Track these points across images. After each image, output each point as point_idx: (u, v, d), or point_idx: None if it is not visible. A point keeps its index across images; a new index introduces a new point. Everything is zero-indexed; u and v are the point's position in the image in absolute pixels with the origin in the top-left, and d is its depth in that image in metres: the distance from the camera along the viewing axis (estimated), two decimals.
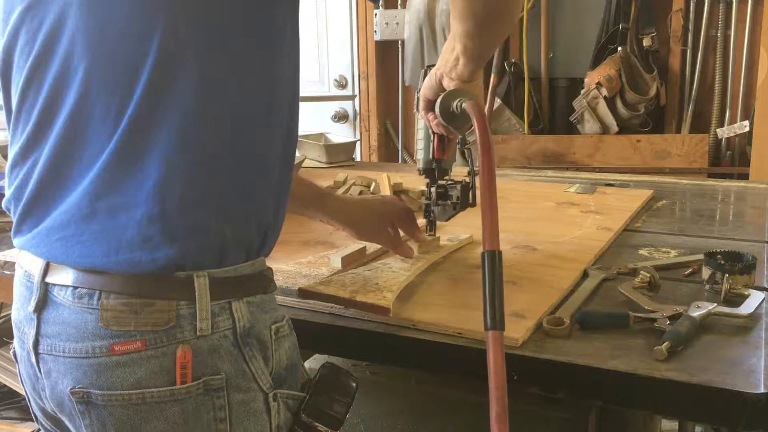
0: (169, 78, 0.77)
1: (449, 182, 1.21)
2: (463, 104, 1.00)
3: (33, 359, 0.84)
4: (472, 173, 1.10)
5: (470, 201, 1.15)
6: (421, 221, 1.30)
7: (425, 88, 1.12)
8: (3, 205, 0.89)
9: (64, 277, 0.80)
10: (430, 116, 1.12)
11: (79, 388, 0.79)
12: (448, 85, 1.06)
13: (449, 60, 1.04)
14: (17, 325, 0.88)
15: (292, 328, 0.91)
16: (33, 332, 0.83)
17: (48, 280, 0.82)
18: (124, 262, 0.77)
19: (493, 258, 0.78)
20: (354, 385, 0.93)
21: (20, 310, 0.87)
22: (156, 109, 0.77)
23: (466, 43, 0.98)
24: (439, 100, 1.06)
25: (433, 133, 1.18)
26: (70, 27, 0.79)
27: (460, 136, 1.11)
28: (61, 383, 0.81)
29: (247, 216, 0.84)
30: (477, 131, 0.86)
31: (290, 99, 0.88)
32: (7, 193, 0.88)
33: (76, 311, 0.79)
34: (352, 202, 1.30)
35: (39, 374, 0.85)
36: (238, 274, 0.83)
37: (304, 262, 1.26)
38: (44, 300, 0.82)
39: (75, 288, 0.79)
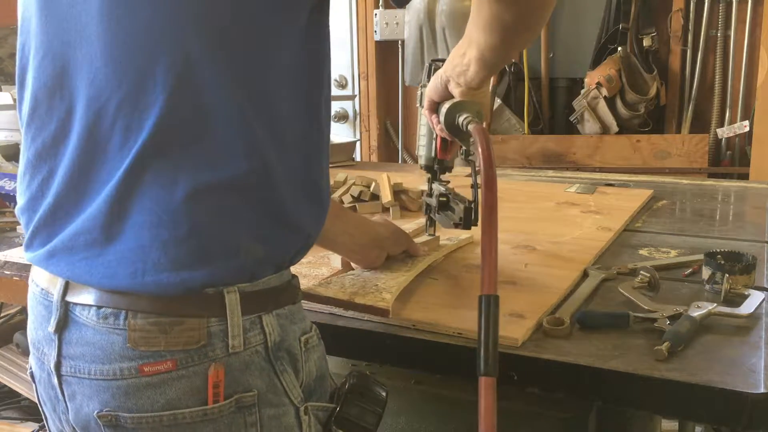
0: (187, 92, 0.74)
1: (452, 194, 1.18)
2: (469, 126, 0.96)
3: (55, 381, 0.81)
4: (474, 186, 1.07)
5: (474, 222, 1.09)
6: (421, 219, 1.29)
7: (430, 89, 1.09)
8: (16, 213, 0.86)
9: (86, 296, 0.77)
10: (434, 119, 1.09)
11: (106, 411, 0.77)
12: (454, 90, 1.02)
13: (459, 65, 0.99)
14: (35, 345, 0.84)
15: (320, 337, 0.89)
16: (54, 353, 0.80)
17: (69, 299, 0.78)
18: (151, 284, 0.74)
19: (489, 303, 0.75)
20: (384, 394, 0.91)
21: (38, 330, 0.83)
22: (176, 124, 0.74)
23: (485, 53, 0.93)
24: (444, 111, 1.03)
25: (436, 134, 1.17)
26: (90, 36, 0.76)
27: (463, 147, 1.07)
28: (87, 406, 0.78)
29: (281, 233, 0.81)
30: (482, 163, 0.80)
31: (323, 110, 0.85)
32: (21, 200, 0.85)
33: (102, 332, 0.76)
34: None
35: (61, 396, 0.81)
36: (267, 286, 0.80)
37: (304, 262, 1.26)
38: (65, 320, 0.79)
39: (99, 308, 0.76)
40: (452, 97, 1.04)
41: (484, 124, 0.95)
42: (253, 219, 0.78)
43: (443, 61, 1.07)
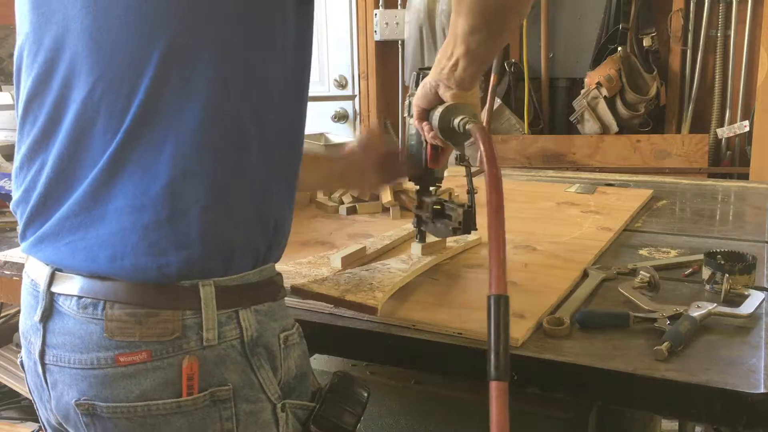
0: (174, 80, 0.75)
1: (447, 201, 1.15)
2: (468, 126, 0.95)
3: (39, 370, 0.83)
4: (471, 193, 1.05)
5: (474, 226, 1.08)
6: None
7: (418, 97, 1.07)
8: (11, 208, 0.88)
9: (69, 286, 0.79)
10: (425, 126, 1.07)
11: (84, 399, 0.78)
12: (444, 93, 1.01)
13: (446, 66, 0.98)
14: (24, 335, 0.87)
15: (302, 335, 0.89)
16: (39, 342, 0.82)
17: (53, 289, 0.81)
18: (129, 267, 0.76)
19: (499, 304, 0.72)
20: (366, 395, 0.92)
21: (27, 320, 0.86)
22: (161, 110, 0.75)
23: (470, 42, 0.93)
24: (438, 115, 1.01)
25: (426, 141, 1.14)
26: (75, 29, 0.78)
27: (457, 153, 1.06)
28: (67, 395, 0.80)
29: (257, 220, 0.82)
30: (485, 162, 0.79)
31: (299, 98, 0.87)
32: (15, 195, 0.87)
33: (81, 321, 0.78)
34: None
35: (45, 385, 0.84)
36: (244, 282, 0.82)
37: (304, 262, 1.26)
38: (50, 310, 0.81)
39: (80, 298, 0.78)
40: (443, 102, 1.02)
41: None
42: (232, 206, 0.80)
43: (431, 69, 1.06)
